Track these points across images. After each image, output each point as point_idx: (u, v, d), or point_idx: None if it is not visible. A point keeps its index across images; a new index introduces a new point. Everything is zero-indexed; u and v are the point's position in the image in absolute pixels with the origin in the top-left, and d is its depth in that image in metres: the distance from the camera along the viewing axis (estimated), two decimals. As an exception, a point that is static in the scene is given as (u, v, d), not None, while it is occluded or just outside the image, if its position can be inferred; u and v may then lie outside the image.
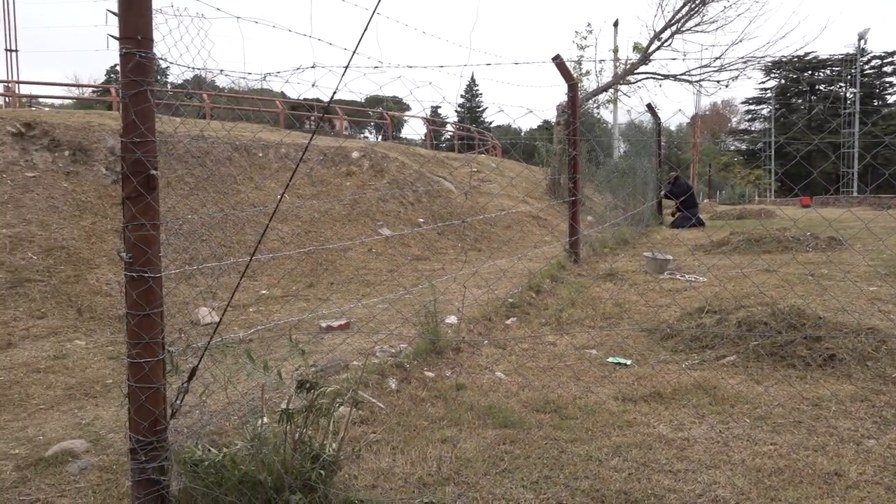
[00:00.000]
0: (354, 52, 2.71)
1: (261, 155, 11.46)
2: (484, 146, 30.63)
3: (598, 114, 18.54)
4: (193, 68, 3.01)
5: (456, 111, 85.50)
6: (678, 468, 3.01)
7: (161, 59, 2.67)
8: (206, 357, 2.68)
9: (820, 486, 2.82)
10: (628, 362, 4.71)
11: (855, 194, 46.20)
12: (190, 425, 2.75)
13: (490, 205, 13.97)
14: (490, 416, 3.63)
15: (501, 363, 4.73)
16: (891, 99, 73.59)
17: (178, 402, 2.57)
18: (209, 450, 2.58)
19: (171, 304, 6.24)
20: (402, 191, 12.23)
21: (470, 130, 35.64)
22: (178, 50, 2.80)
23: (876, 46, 74.54)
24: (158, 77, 2.62)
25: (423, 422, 3.58)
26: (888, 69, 72.08)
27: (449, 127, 40.60)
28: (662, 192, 17.33)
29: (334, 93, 2.86)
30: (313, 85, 3.36)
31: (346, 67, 2.69)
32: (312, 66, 3.44)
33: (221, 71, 3.39)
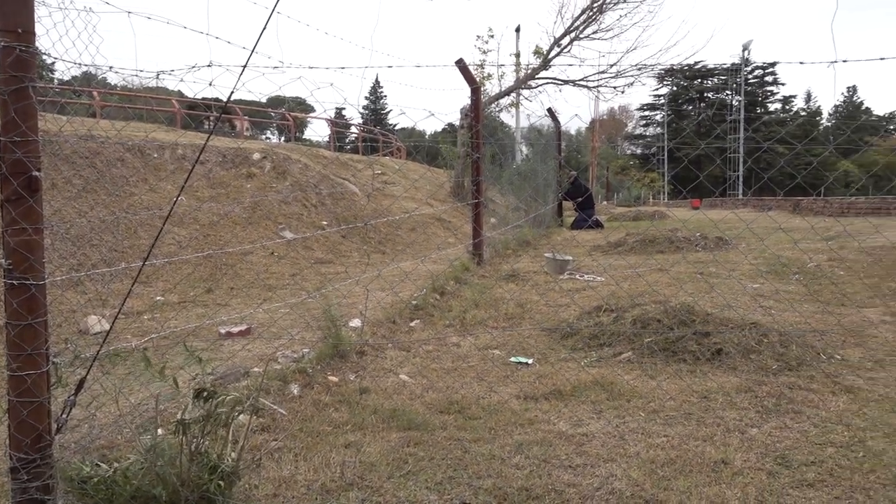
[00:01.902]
0: (253, 50, 2.65)
1: (156, 156, 11.03)
2: (388, 148, 30.58)
3: (498, 117, 18.82)
4: (81, 64, 2.87)
5: (360, 113, 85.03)
6: (577, 463, 3.10)
7: (45, 53, 2.54)
8: (96, 368, 2.55)
9: (708, 474, 2.97)
10: (530, 361, 4.80)
11: (740, 196, 48.88)
12: (78, 440, 2.62)
13: (394, 207, 13.96)
14: (394, 419, 3.63)
15: (405, 365, 4.73)
16: (772, 107, 78.32)
17: (65, 416, 2.44)
18: (99, 465, 2.46)
19: (58, 313, 5.92)
20: (305, 193, 12.05)
21: (374, 132, 35.51)
22: (63, 45, 2.66)
23: (758, 57, 79.09)
24: (43, 73, 2.49)
25: (327, 427, 3.53)
26: (769, 79, 76.68)
27: (353, 129, 40.34)
28: (562, 194, 17.81)
29: (232, 92, 2.79)
30: (210, 84, 3.27)
31: (245, 67, 2.63)
32: (209, 65, 3.34)
33: (111, 68, 3.25)
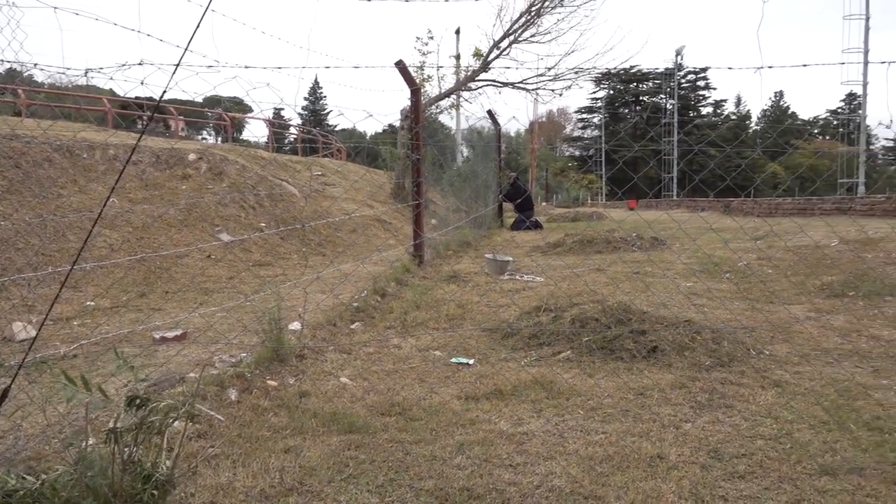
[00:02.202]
0: (186, 49, 2.59)
1: (86, 156, 10.67)
2: (328, 150, 30.31)
3: (438, 118, 18.87)
4: (3, 61, 2.76)
5: (299, 114, 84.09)
6: (518, 462, 3.13)
7: (-38, 49, 2.43)
8: (21, 376, 2.45)
9: (644, 469, 3.03)
10: (471, 362, 4.83)
11: (675, 197, 50.18)
12: (2, 452, 2.51)
13: (334, 208, 13.84)
14: (335, 423, 3.60)
15: (346, 368, 4.69)
16: (704, 110, 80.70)
17: (-13, 427, 2.34)
18: (25, 478, 2.36)
19: (-19, 320, 5.67)
20: (242, 194, 11.84)
21: (313, 133, 35.13)
22: (-17, 40, 2.56)
23: (691, 62, 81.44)
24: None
25: (266, 432, 3.48)
26: (702, 83, 78.97)
27: (292, 129, 39.83)
28: (501, 195, 17.96)
29: (164, 91, 2.72)
30: (142, 83, 3.19)
31: (177, 65, 2.57)
32: (140, 63, 3.26)
33: (36, 65, 3.13)
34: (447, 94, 17.61)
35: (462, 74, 17.98)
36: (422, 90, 13.43)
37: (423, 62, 17.87)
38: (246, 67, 3.66)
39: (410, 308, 6.51)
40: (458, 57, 21.13)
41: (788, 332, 5.57)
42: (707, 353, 4.74)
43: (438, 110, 17.91)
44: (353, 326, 5.90)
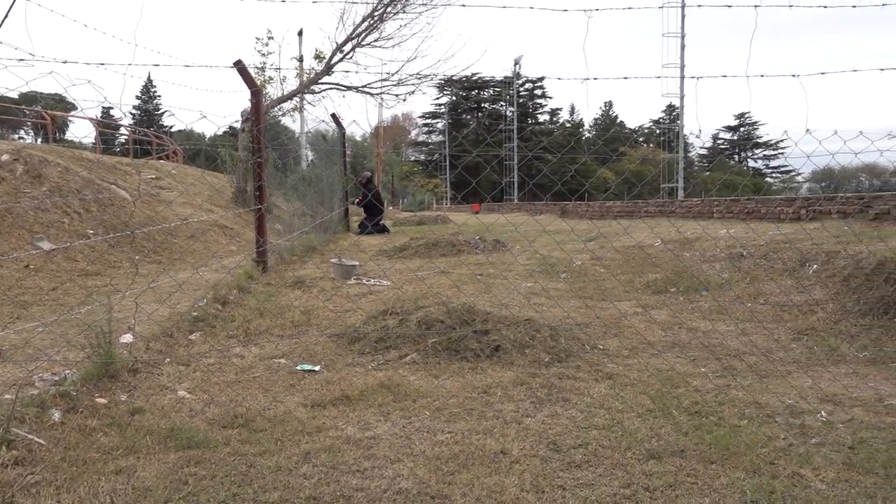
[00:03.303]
0: (-7, 40, 2.37)
1: None
2: (163, 151, 28.76)
3: (279, 121, 18.48)
4: None
5: (130, 113, 79.28)
6: (365, 466, 3.11)
7: None
8: None
9: (489, 465, 3.12)
10: (317, 368, 4.76)
11: (515, 201, 52.13)
12: None
13: (169, 213, 13.15)
14: (172, 439, 3.41)
15: (184, 381, 4.47)
16: (542, 118, 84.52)
17: None
18: None
19: None
20: (65, 199, 10.96)
21: (147, 134, 33.19)
22: None
23: (529, 71, 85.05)
24: None
25: (95, 454, 3.24)
26: (539, 92, 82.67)
27: (123, 130, 37.45)
28: (356, 200, 17.87)
29: (-33, 86, 2.46)
30: (-60, 75, 2.87)
31: (-17, 57, 2.34)
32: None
33: None
34: (290, 97, 17.27)
35: (305, 77, 17.70)
36: (263, 92, 13.08)
37: (264, 63, 17.43)
38: (65, 62, 3.39)
39: (253, 316, 6.31)
40: (301, 59, 20.75)
41: (619, 328, 5.95)
42: (546, 349, 4.97)
43: (281, 112, 17.53)
44: (191, 337, 5.63)
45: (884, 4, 2.70)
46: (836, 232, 8.50)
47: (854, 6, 2.83)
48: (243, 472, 3.06)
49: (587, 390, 4.22)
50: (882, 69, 2.77)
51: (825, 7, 2.79)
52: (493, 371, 4.61)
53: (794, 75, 2.82)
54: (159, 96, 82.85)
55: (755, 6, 2.82)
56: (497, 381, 4.39)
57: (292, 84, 17.53)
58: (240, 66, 8.33)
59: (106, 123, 30.12)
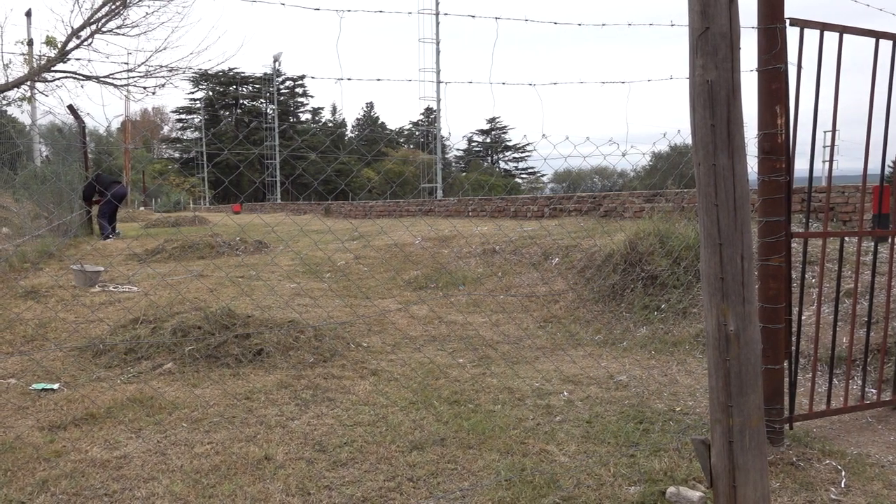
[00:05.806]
0: None
1: None
2: None
3: (7, 111, 16.44)
4: None
5: None
6: (114, 489, 2.88)
7: None
8: None
9: (252, 473, 3.03)
10: (55, 386, 4.30)
11: (279, 200, 51.12)
12: None
13: None
14: None
15: None
16: (304, 117, 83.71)
17: None
18: None
19: None
20: None
21: None
22: None
23: (289, 69, 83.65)
24: None
25: None
26: (300, 90, 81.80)
27: None
28: (96, 198, 16.24)
29: None
30: None
31: None
32: None
33: None
34: (16, 84, 15.37)
35: (35, 63, 15.85)
36: (-18, 77, 11.54)
37: (-18, 45, 15.36)
38: None
39: (-25, 332, 5.54)
40: (30, 42, 18.57)
41: (381, 325, 6.08)
42: (310, 350, 4.93)
43: (7, 101, 15.56)
44: None
45: (603, 25, 3.04)
46: (573, 228, 9.41)
47: (580, 24, 3.15)
48: (-37, 511, 2.68)
49: (352, 388, 4.26)
50: (603, 82, 3.11)
51: (555, 23, 3.08)
52: (256, 376, 4.49)
53: (530, 84, 3.08)
54: None
55: (496, 18, 3.03)
56: (260, 385, 4.28)
57: (19, 70, 15.61)
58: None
59: None
